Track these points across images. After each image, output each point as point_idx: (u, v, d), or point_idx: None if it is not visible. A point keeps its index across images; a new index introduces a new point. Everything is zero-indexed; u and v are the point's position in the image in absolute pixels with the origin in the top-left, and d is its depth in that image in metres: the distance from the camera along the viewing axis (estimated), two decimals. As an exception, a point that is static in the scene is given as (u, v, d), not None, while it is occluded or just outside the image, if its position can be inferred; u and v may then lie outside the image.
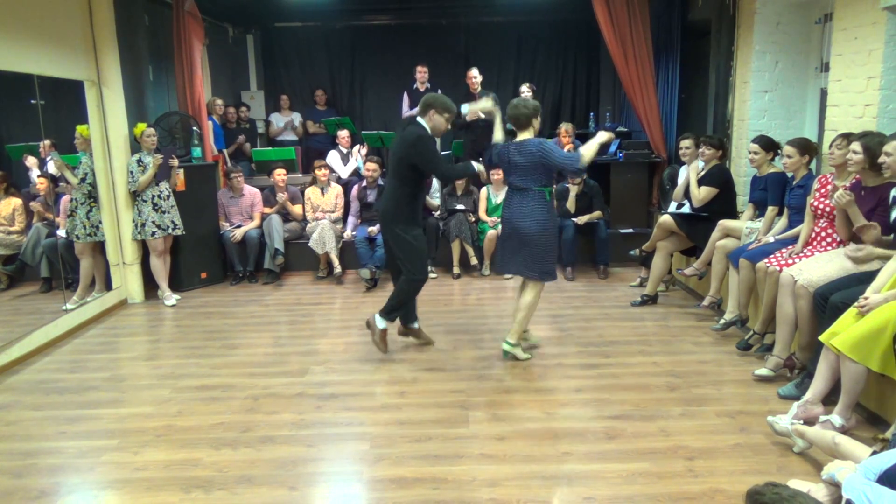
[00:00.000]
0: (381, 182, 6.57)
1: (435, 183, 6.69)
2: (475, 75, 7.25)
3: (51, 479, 2.95)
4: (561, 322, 5.00)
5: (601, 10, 6.40)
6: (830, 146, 3.88)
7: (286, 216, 6.67)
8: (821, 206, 3.89)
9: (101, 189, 5.49)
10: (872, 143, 3.43)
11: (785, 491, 1.93)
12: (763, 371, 3.81)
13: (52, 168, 5.45)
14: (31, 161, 5.58)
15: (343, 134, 7.45)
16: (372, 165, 6.50)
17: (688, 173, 5.21)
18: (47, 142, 5.31)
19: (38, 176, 5.54)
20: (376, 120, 9.08)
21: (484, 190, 6.69)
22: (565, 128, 7.07)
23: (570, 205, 6.41)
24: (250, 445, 3.20)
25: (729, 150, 5.69)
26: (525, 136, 4.08)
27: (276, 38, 9.06)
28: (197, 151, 6.19)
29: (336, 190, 6.73)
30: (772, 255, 4.02)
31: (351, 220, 6.64)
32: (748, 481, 2.77)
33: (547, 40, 8.94)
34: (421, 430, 3.32)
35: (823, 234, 3.91)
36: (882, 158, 3.33)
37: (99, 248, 5.56)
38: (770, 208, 4.51)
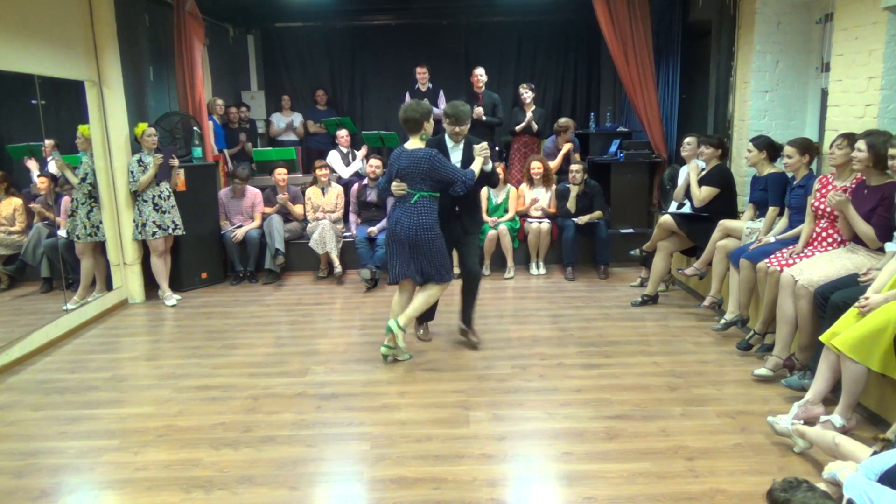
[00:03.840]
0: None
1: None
2: (481, 74, 7.27)
3: (51, 479, 2.95)
4: (561, 322, 5.00)
5: (601, 10, 6.40)
6: (831, 146, 3.88)
7: (287, 216, 6.67)
8: (821, 206, 3.89)
9: (102, 189, 5.49)
10: (877, 141, 3.43)
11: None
12: (762, 371, 3.81)
13: (53, 168, 5.45)
14: (31, 164, 5.58)
15: (342, 133, 7.46)
16: (375, 163, 6.50)
17: (688, 173, 5.21)
18: (49, 142, 5.32)
19: (38, 175, 5.54)
20: (376, 120, 9.08)
21: (484, 190, 6.68)
22: (572, 123, 7.05)
23: (571, 205, 6.41)
24: (251, 445, 3.20)
25: (729, 150, 5.69)
26: (416, 142, 4.11)
27: (277, 38, 9.06)
28: (197, 151, 6.19)
29: (336, 190, 6.73)
30: (772, 256, 4.02)
31: (351, 217, 6.64)
32: (748, 481, 2.78)
33: (547, 40, 8.93)
34: (421, 430, 3.32)
35: (824, 234, 3.91)
36: (890, 162, 3.32)
37: (99, 248, 5.56)
38: (771, 208, 4.50)
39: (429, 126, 4.12)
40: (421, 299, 4.19)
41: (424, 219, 4.06)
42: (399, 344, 4.14)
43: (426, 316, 4.61)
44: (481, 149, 4.20)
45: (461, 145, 4.31)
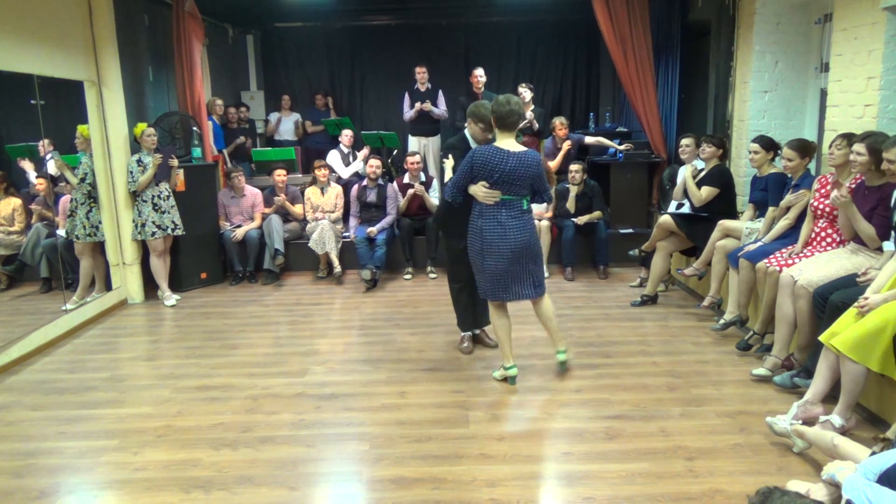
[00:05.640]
0: (380, 182, 6.58)
1: (435, 182, 6.69)
2: (480, 75, 7.27)
3: (51, 479, 2.95)
4: (561, 322, 4.97)
5: (601, 11, 6.41)
6: (830, 146, 3.88)
7: (286, 216, 6.67)
8: (821, 206, 3.89)
9: (101, 189, 5.49)
10: (876, 143, 3.43)
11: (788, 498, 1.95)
12: (761, 371, 3.81)
13: (51, 167, 5.45)
14: (26, 164, 5.57)
15: (347, 133, 7.46)
16: (375, 163, 6.50)
17: (685, 174, 5.22)
18: (45, 140, 5.31)
19: (37, 177, 5.53)
20: (376, 120, 9.09)
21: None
22: (559, 121, 7.05)
23: (570, 205, 6.41)
24: (250, 445, 3.20)
25: (729, 151, 5.69)
26: (513, 142, 3.65)
27: (276, 38, 9.06)
28: (197, 152, 6.19)
29: (336, 190, 6.73)
30: (772, 256, 4.03)
31: (352, 221, 6.63)
32: (748, 481, 2.78)
33: (547, 40, 8.94)
34: (421, 430, 3.32)
35: (823, 234, 3.91)
36: (885, 165, 3.32)
37: (99, 248, 5.56)
38: (770, 208, 4.50)
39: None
40: (553, 321, 3.97)
41: (533, 225, 3.81)
42: (570, 357, 4.06)
43: (482, 321, 4.45)
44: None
45: None
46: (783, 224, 4.28)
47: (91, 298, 5.42)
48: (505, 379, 3.89)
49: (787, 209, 4.32)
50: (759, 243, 4.31)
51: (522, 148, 3.67)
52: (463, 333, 4.48)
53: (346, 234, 6.62)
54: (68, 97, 5.40)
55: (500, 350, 3.93)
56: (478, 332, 4.53)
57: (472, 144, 3.93)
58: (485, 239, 3.69)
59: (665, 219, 5.23)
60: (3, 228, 5.42)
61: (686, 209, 5.24)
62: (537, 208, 6.42)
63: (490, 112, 3.70)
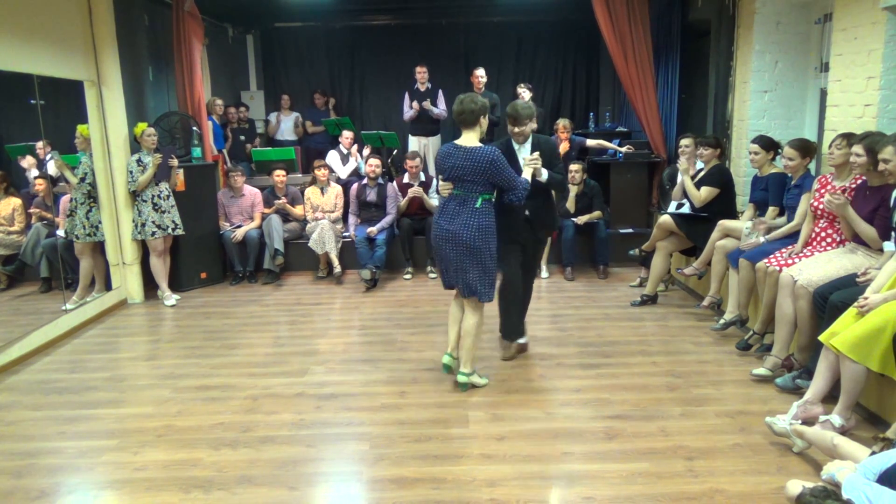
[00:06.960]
0: (380, 181, 6.58)
1: (434, 182, 6.69)
2: (481, 75, 7.28)
3: (50, 479, 2.95)
4: (561, 322, 5.00)
5: (601, 11, 6.41)
6: (830, 146, 3.88)
7: (286, 216, 6.68)
8: (821, 206, 3.89)
9: (101, 189, 5.49)
10: (874, 143, 3.43)
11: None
12: (761, 371, 3.81)
13: (52, 168, 5.45)
14: (27, 162, 5.57)
15: (347, 134, 7.46)
16: (375, 162, 6.50)
17: (681, 170, 5.23)
18: (42, 142, 5.31)
19: (36, 177, 5.53)
20: (376, 120, 9.10)
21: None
22: (563, 124, 7.06)
23: (570, 205, 6.41)
24: (250, 445, 3.20)
25: (728, 150, 5.69)
26: (471, 138, 3.64)
27: (276, 38, 9.07)
28: (197, 151, 6.19)
29: (336, 190, 6.73)
30: (771, 255, 4.02)
31: (351, 219, 6.64)
32: (748, 481, 2.79)
33: (547, 40, 8.95)
34: (421, 430, 3.32)
35: (823, 234, 3.91)
36: (881, 166, 3.32)
37: (98, 248, 5.56)
38: (770, 208, 4.51)
39: (485, 122, 3.67)
40: (469, 339, 3.75)
41: (486, 226, 3.62)
42: (480, 382, 3.84)
43: (514, 332, 4.28)
44: (530, 160, 3.82)
45: (527, 145, 4.01)
46: (792, 226, 4.23)
47: (91, 298, 5.42)
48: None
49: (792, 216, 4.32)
50: (762, 239, 4.29)
51: (475, 144, 3.62)
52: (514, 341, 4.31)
53: (346, 233, 6.62)
54: (68, 97, 5.40)
55: None
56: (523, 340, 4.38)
57: (515, 145, 4.01)
58: (436, 229, 3.73)
59: (665, 219, 5.24)
60: (3, 228, 5.42)
61: (686, 209, 5.24)
62: None
63: (519, 110, 3.86)
